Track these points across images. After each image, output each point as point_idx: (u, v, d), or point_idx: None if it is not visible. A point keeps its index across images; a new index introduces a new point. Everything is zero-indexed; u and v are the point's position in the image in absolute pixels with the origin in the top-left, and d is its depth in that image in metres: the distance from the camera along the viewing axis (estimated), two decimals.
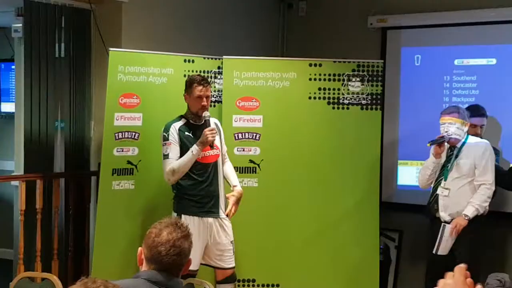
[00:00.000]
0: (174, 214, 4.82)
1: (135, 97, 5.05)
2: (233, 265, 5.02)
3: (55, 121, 5.57)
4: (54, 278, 3.71)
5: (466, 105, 5.95)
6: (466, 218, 4.99)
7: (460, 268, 1.84)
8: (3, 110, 7.87)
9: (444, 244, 5.06)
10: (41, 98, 5.42)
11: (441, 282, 1.85)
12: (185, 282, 3.48)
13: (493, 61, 5.94)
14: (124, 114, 5.01)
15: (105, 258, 4.81)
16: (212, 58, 5.51)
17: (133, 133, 5.06)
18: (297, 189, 5.54)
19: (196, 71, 5.35)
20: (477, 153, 5.07)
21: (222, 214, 4.93)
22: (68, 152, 5.60)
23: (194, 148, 4.76)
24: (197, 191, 4.85)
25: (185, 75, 5.32)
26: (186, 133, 4.82)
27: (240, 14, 6.53)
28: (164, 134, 4.81)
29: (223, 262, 4.96)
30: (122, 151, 5.03)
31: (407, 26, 6.33)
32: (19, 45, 6.12)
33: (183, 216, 4.80)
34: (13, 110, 6.73)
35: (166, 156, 4.79)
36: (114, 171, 5.00)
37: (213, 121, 4.98)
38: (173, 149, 4.79)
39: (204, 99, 4.80)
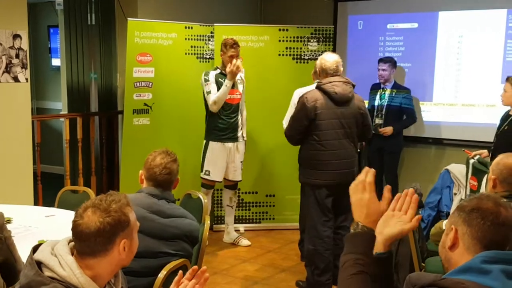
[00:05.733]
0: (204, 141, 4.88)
1: (148, 55, 4.91)
2: (241, 178, 5.06)
3: (90, 73, 5.46)
4: (90, 191, 3.68)
5: (396, 59, 5.89)
6: None
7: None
8: (54, 64, 7.68)
9: None
10: (79, 56, 5.29)
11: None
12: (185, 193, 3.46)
13: (415, 25, 5.79)
14: (141, 68, 4.88)
15: (129, 175, 4.79)
16: (206, 25, 5.34)
17: (148, 83, 4.96)
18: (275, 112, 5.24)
19: (194, 35, 5.21)
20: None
21: (240, 139, 4.91)
22: (100, 96, 5.51)
23: (227, 82, 4.70)
24: (222, 124, 4.81)
25: (186, 39, 5.18)
26: (219, 79, 4.75)
27: None
28: (205, 77, 4.75)
29: (235, 177, 5.01)
30: (140, 96, 4.94)
31: None
32: (62, 15, 5.93)
33: (210, 142, 4.84)
34: (60, 64, 6.58)
35: (208, 93, 4.73)
36: (134, 111, 4.92)
37: (239, 75, 4.88)
38: (213, 87, 4.72)
39: (235, 58, 4.70)
